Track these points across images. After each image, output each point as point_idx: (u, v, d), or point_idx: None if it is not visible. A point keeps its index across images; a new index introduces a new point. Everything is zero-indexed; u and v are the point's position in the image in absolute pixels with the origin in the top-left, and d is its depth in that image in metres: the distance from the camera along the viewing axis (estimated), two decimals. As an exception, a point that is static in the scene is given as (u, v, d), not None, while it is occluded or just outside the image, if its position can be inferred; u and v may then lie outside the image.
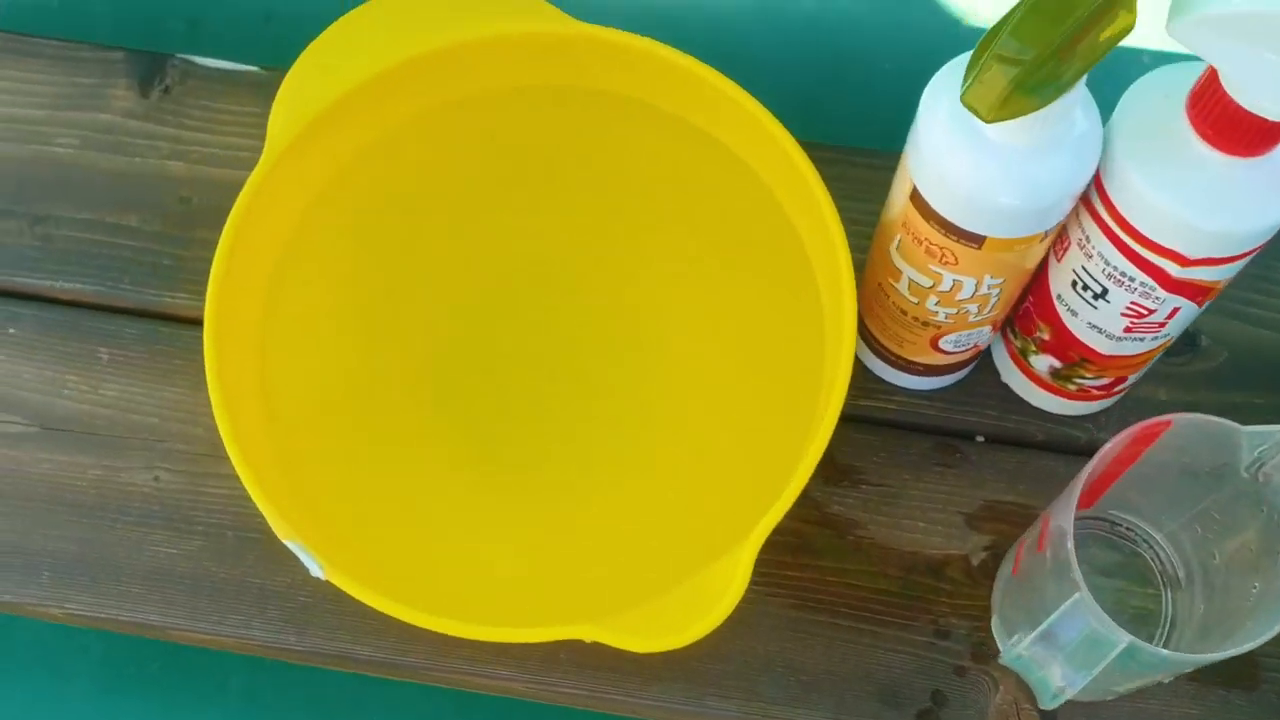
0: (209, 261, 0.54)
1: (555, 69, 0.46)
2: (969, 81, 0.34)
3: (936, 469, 0.52)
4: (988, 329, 0.47)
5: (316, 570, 0.41)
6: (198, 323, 0.53)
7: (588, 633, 0.40)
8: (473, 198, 0.50)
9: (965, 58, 0.39)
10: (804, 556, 0.51)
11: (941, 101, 0.39)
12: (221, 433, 0.42)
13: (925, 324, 0.47)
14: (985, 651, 0.50)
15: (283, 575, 0.51)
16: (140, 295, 0.55)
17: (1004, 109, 0.34)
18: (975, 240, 0.41)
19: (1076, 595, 0.39)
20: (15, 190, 0.56)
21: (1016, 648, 0.41)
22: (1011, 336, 0.50)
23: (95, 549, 0.51)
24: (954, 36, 0.75)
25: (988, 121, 0.35)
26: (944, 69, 0.40)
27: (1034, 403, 0.52)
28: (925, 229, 0.42)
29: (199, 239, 0.55)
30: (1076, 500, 0.40)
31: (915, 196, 0.41)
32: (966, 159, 0.39)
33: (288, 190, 0.45)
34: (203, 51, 0.67)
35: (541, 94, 0.47)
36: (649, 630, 0.40)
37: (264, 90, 0.57)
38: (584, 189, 0.50)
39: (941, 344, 0.48)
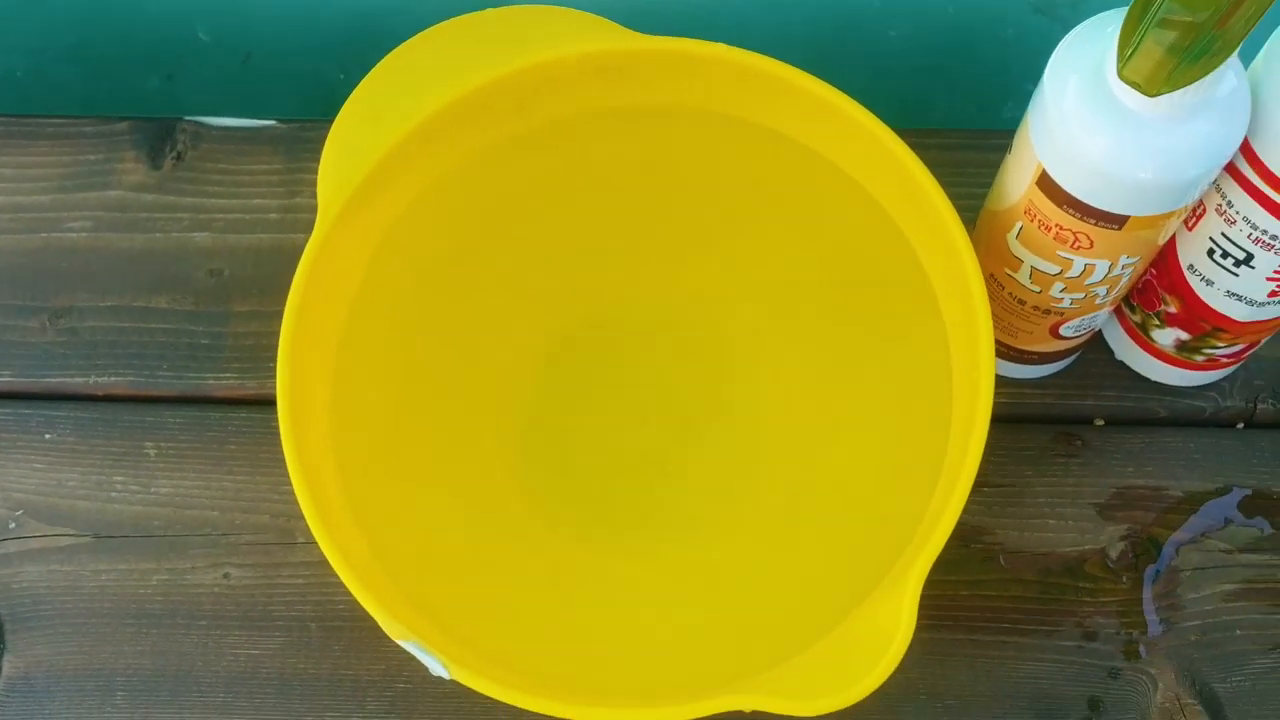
0: (250, 337, 0.51)
1: (625, 89, 0.42)
2: (1128, 54, 0.31)
3: (1059, 460, 0.49)
4: (1108, 309, 0.44)
5: (439, 669, 0.37)
6: (247, 403, 0.51)
7: (748, 702, 0.36)
8: (550, 234, 0.46)
9: (1096, 23, 0.36)
10: (932, 572, 0.47)
11: (1070, 73, 0.36)
12: (316, 535, 0.38)
13: (1046, 312, 0.43)
14: (1137, 648, 0.46)
15: (377, 663, 0.47)
16: (181, 381, 0.51)
17: (1170, 81, 0.31)
18: (1116, 221, 0.37)
19: None
20: (30, 284, 0.52)
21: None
22: (1128, 312, 0.47)
23: (170, 660, 0.47)
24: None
25: (1152, 96, 0.31)
26: (1070, 37, 0.36)
27: (1154, 378, 0.49)
28: (1056, 214, 0.38)
29: (236, 313, 0.51)
30: None
31: (1043, 180, 0.38)
32: (1106, 135, 0.35)
33: (348, 250, 0.41)
34: (187, 104, 0.63)
35: (612, 117, 0.43)
36: (811, 689, 0.36)
37: (285, 144, 0.54)
38: (674, 216, 0.46)
39: (1062, 331, 0.44)
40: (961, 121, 0.67)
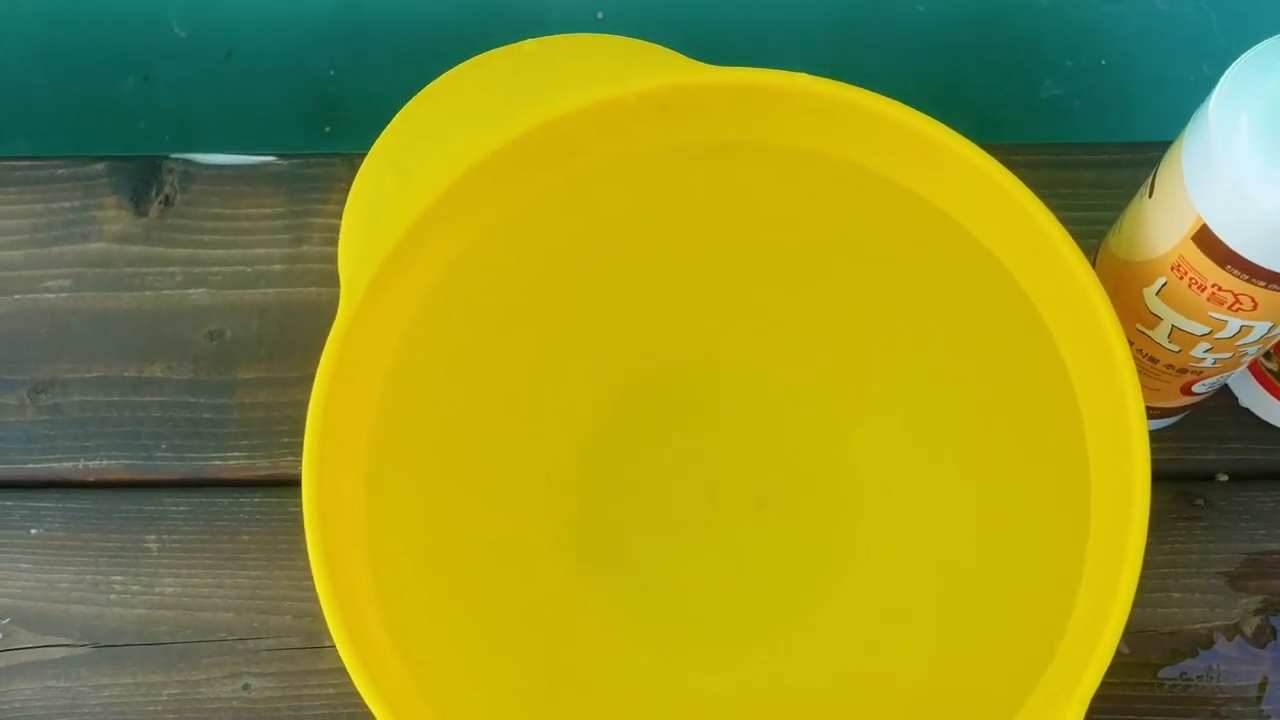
0: (259, 408, 0.45)
1: (689, 127, 0.36)
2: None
3: (1181, 524, 0.43)
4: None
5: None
6: (259, 485, 0.45)
7: None
8: (604, 291, 0.40)
9: (1274, 48, 0.30)
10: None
11: (1242, 110, 0.30)
12: (353, 676, 0.32)
13: (1182, 371, 0.38)
14: (1283, 739, 0.41)
15: (422, 782, 0.42)
16: (183, 463, 0.45)
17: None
18: (1293, 282, 0.31)
19: None
20: (5, 355, 0.46)
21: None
22: (1263, 359, 0.41)
23: (187, 785, 0.42)
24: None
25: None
26: (1240, 65, 0.30)
27: (1285, 427, 0.43)
28: (1215, 273, 0.32)
29: (242, 381, 0.45)
30: None
31: (1202, 235, 0.32)
32: (1292, 187, 0.29)
33: (381, 323, 0.35)
34: (167, 110, 0.58)
35: (674, 156, 0.37)
36: None
37: (286, 184, 0.47)
38: (740, 266, 0.40)
39: (1195, 389, 0.39)
40: (995, 102, 0.63)
